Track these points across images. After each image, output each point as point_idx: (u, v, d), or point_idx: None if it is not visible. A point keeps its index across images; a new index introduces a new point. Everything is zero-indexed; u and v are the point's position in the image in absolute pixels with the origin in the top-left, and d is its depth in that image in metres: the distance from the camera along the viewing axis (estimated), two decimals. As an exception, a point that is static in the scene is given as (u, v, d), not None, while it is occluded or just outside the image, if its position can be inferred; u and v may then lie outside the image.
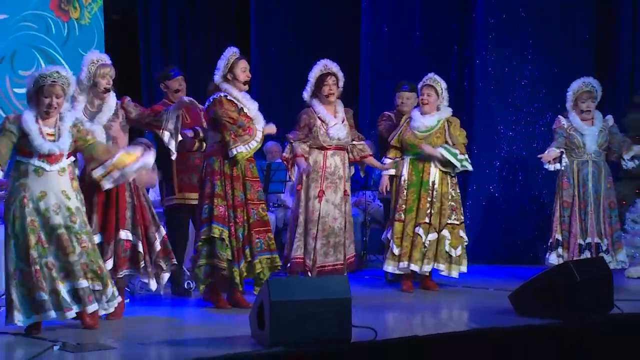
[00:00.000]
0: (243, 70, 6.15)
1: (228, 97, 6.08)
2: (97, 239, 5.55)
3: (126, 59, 10.99)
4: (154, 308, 6.37)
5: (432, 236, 6.87)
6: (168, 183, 6.82)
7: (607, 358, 5.12)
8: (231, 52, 6.18)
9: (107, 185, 5.50)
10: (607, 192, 7.34)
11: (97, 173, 5.47)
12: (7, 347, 4.86)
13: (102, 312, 5.35)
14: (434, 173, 6.94)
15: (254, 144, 6.11)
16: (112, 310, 5.41)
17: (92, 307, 5.21)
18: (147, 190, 7.29)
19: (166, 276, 5.90)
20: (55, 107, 5.18)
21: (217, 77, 6.14)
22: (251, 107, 6.19)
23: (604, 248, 7.27)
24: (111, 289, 5.34)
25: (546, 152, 7.29)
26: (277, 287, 4.64)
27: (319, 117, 6.70)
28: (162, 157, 6.85)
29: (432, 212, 6.90)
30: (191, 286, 6.72)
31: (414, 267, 6.87)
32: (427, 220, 6.88)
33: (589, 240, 7.24)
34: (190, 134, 6.63)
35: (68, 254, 5.12)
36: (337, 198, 6.71)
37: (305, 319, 4.56)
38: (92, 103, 5.76)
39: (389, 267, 6.94)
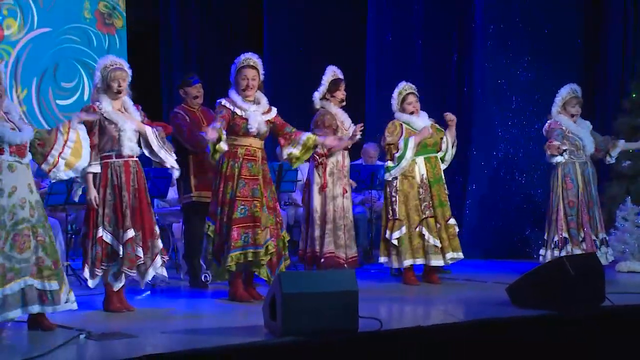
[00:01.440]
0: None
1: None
2: (130, 233, 5.47)
3: (148, 67, 11.04)
4: (173, 300, 6.39)
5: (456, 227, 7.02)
6: (186, 182, 6.82)
7: (599, 347, 5.10)
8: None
9: (64, 162, 5.14)
10: (597, 191, 7.41)
11: (55, 153, 5.10)
12: (34, 336, 4.84)
13: (50, 311, 4.92)
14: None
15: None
16: (67, 308, 4.97)
17: (36, 308, 4.82)
18: (167, 189, 7.33)
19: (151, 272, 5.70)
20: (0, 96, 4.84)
21: None
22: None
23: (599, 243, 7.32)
24: (67, 287, 4.99)
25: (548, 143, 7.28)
26: (289, 280, 4.63)
27: (338, 119, 6.78)
28: (180, 158, 6.87)
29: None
30: (208, 279, 6.71)
31: (456, 255, 6.92)
32: (450, 212, 7.01)
33: (600, 235, 7.28)
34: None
35: (24, 250, 4.79)
36: (349, 195, 6.85)
37: (315, 310, 4.54)
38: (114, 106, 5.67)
39: (435, 262, 6.86)
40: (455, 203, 8.99)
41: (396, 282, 7.13)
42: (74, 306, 5.05)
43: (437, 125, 7.11)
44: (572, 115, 7.34)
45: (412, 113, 6.96)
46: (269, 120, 6.19)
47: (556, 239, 7.27)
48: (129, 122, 5.62)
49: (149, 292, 6.58)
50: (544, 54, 9.02)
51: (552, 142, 7.22)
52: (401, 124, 6.97)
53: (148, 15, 11.34)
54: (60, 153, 5.12)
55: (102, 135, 5.56)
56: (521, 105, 9.01)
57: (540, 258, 7.29)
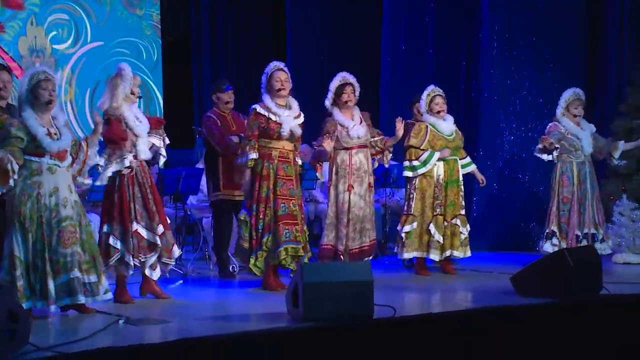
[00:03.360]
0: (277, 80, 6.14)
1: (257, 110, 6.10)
2: (162, 228, 5.52)
3: (180, 74, 11.12)
4: (204, 288, 6.41)
5: (467, 226, 7.00)
6: (215, 181, 6.85)
7: (597, 332, 5.08)
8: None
9: (82, 179, 5.24)
10: (596, 189, 7.36)
11: (73, 170, 5.16)
12: (77, 322, 4.88)
13: (90, 302, 5.02)
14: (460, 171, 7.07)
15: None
16: (105, 298, 5.07)
17: (81, 299, 4.91)
18: (197, 187, 7.36)
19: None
20: (52, 101, 4.93)
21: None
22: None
23: (600, 237, 7.27)
24: (104, 279, 5.08)
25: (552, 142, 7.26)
26: (310, 270, 4.65)
27: (339, 123, 6.69)
28: (210, 158, 6.91)
29: (462, 204, 7.02)
30: (235, 270, 6.74)
31: (456, 253, 6.91)
32: (462, 212, 6.97)
33: (586, 230, 7.23)
34: (235, 139, 6.69)
35: (68, 245, 4.88)
36: (362, 190, 6.67)
37: (333, 298, 4.56)
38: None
39: (433, 256, 6.86)
40: (465, 200, 8.98)
41: (408, 273, 7.13)
42: (110, 296, 5.16)
43: (459, 131, 7.11)
44: (575, 116, 7.31)
45: (438, 112, 6.95)
46: (299, 124, 6.22)
47: (547, 231, 7.28)
48: (144, 129, 5.64)
49: (181, 282, 6.62)
50: (547, 62, 8.98)
51: (546, 138, 7.21)
52: (427, 126, 6.96)
53: (180, 27, 11.41)
54: (80, 169, 5.19)
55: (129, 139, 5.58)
56: (525, 108, 8.97)
57: (540, 250, 7.29)
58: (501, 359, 4.74)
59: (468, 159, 7.18)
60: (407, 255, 6.94)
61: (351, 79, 6.74)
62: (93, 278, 5.01)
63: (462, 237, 6.95)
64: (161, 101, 10.77)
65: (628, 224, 7.72)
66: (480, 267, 7.36)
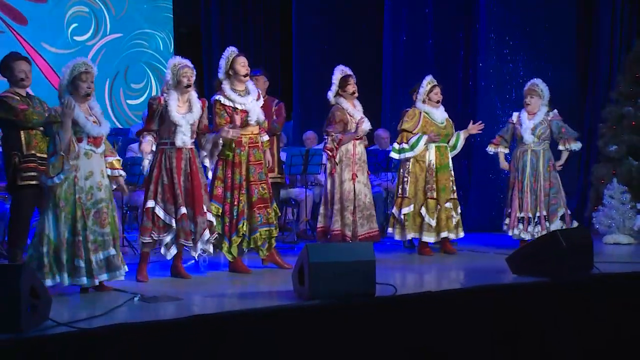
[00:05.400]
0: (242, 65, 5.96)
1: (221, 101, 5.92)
2: (183, 210, 5.50)
3: (193, 63, 11.08)
4: (214, 269, 6.41)
5: (459, 209, 7.01)
6: None
7: (588, 309, 5.09)
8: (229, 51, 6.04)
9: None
10: (546, 175, 7.19)
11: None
12: (91, 299, 4.90)
13: (116, 278, 5.07)
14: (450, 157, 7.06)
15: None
16: (122, 278, 5.10)
17: (118, 275, 5.02)
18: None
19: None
20: (90, 93, 4.99)
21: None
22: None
23: (536, 220, 7.13)
24: (122, 258, 5.12)
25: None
26: (315, 251, 4.66)
27: (348, 113, 6.70)
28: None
29: (454, 188, 6.99)
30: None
31: (451, 235, 6.93)
32: (453, 196, 6.96)
33: (522, 214, 7.17)
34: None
35: (105, 225, 4.97)
36: (364, 178, 6.74)
37: (337, 277, 4.57)
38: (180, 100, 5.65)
39: (426, 238, 6.86)
40: (462, 183, 8.97)
41: (408, 253, 7.13)
42: (124, 274, 5.14)
43: (450, 120, 7.11)
44: (527, 105, 7.32)
45: (438, 102, 6.98)
46: (262, 106, 6.08)
47: (505, 212, 7.31)
48: (186, 118, 5.59)
49: (193, 262, 6.64)
50: (541, 52, 8.95)
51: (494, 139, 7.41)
52: (421, 112, 6.96)
53: (192, 19, 11.39)
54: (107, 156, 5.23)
55: (162, 124, 5.59)
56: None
57: (504, 227, 7.29)
58: (494, 335, 4.74)
59: (452, 140, 7.13)
60: (409, 236, 6.94)
61: (349, 71, 6.76)
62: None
63: (454, 220, 6.96)
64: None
65: (618, 207, 7.71)
66: (477, 247, 7.37)
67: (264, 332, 4.10)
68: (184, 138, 5.58)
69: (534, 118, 7.28)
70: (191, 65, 5.70)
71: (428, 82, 7.01)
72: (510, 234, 7.23)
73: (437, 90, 7.00)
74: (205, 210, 5.64)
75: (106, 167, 5.16)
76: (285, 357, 4.10)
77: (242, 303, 4.67)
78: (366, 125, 6.71)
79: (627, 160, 8.09)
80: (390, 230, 7.00)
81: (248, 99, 5.96)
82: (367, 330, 4.37)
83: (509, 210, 7.25)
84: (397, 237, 7.00)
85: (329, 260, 4.61)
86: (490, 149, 7.49)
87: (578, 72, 9.19)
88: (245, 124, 5.91)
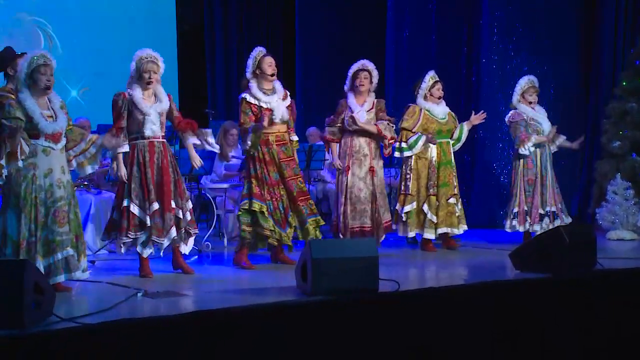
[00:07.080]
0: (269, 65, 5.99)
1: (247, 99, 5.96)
2: (156, 206, 5.39)
3: (195, 62, 11.10)
4: (218, 264, 6.42)
5: (460, 204, 6.99)
6: None
7: (589, 306, 5.08)
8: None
9: (76, 162, 5.10)
10: (553, 169, 7.32)
11: (72, 153, 5.06)
12: (96, 294, 4.91)
13: (74, 279, 4.92)
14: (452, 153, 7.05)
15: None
16: (84, 278, 4.96)
17: (77, 275, 4.87)
18: (210, 168, 7.37)
19: (192, 240, 5.71)
20: (50, 87, 4.81)
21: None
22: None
23: (557, 213, 7.20)
24: (84, 259, 4.96)
25: (533, 137, 7.19)
26: (317, 247, 4.65)
27: (349, 106, 6.70)
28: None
29: (456, 184, 6.97)
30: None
31: (454, 230, 6.91)
32: (455, 191, 6.94)
33: (547, 209, 7.20)
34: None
35: (63, 224, 4.80)
36: (362, 172, 6.66)
37: (340, 273, 4.56)
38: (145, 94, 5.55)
39: (428, 235, 6.86)
40: (465, 179, 8.97)
41: (412, 249, 7.13)
42: (87, 275, 5.01)
43: (452, 114, 7.10)
44: (530, 103, 7.29)
45: (439, 98, 6.96)
46: (287, 106, 6.09)
47: (515, 210, 7.26)
48: (154, 107, 5.51)
49: (196, 257, 6.64)
50: (544, 47, 8.93)
51: (523, 137, 7.18)
52: (421, 109, 6.94)
53: (195, 17, 11.39)
54: (75, 156, 5.09)
55: (130, 118, 5.48)
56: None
57: (505, 228, 7.29)
58: (496, 331, 4.74)
59: (456, 133, 7.10)
60: (411, 234, 6.93)
61: (370, 66, 6.71)
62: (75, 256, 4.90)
63: (457, 215, 6.94)
64: (177, 87, 10.78)
65: (621, 203, 7.70)
66: (480, 243, 7.37)
67: (267, 328, 4.10)
68: (153, 127, 5.46)
69: (542, 112, 7.34)
70: (158, 60, 5.55)
71: (430, 77, 6.99)
72: (521, 230, 7.22)
73: (439, 86, 6.99)
74: (173, 206, 5.50)
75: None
76: (288, 353, 4.10)
77: (245, 299, 4.67)
78: (361, 116, 6.63)
79: (631, 157, 8.08)
80: (394, 226, 6.99)
81: (273, 98, 6.00)
82: (370, 326, 4.37)
83: (529, 207, 7.18)
84: (400, 233, 6.99)
85: (331, 256, 4.60)
86: (525, 152, 7.20)
87: (581, 68, 9.17)
88: (270, 122, 5.93)
